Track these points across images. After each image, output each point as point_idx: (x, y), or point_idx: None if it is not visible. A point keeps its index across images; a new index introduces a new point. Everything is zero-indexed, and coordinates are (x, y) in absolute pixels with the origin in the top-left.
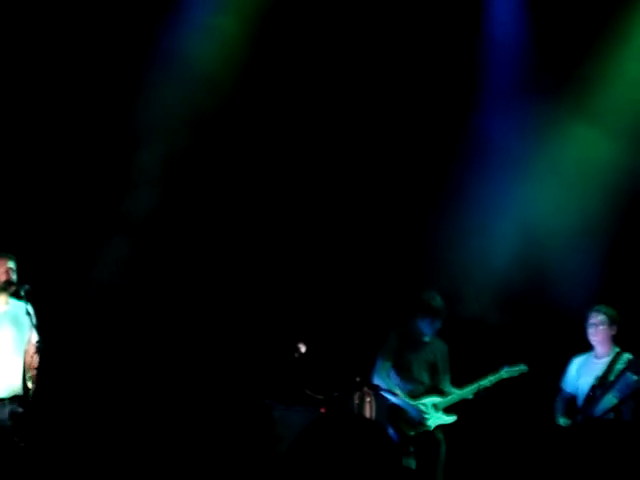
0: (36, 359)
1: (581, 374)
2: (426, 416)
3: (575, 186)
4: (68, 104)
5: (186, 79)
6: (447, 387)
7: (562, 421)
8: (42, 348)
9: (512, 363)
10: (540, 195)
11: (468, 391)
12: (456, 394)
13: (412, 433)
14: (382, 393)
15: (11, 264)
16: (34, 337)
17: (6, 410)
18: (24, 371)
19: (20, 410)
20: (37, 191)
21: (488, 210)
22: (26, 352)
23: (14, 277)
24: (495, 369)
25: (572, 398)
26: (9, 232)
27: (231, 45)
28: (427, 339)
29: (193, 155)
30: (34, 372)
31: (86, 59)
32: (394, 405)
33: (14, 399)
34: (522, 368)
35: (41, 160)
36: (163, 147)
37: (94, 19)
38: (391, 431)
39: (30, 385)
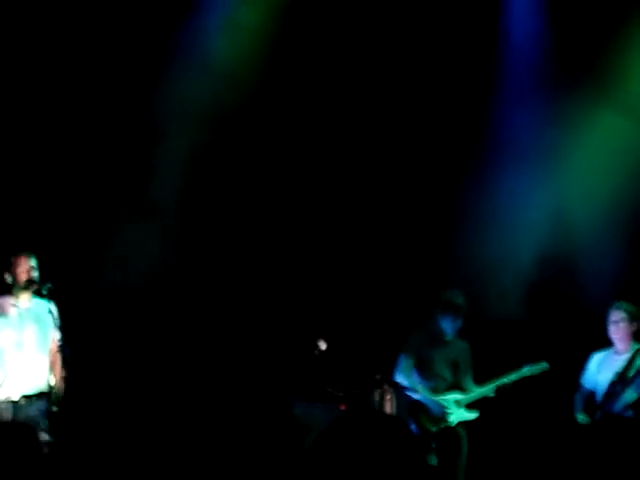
0: (59, 357)
1: (601, 370)
2: (448, 412)
3: (603, 174)
4: (92, 98)
5: (208, 74)
6: (469, 384)
7: (581, 417)
8: (64, 346)
9: (534, 360)
10: (569, 185)
11: (490, 388)
12: (478, 391)
13: (434, 429)
14: (404, 390)
15: (32, 262)
16: (57, 335)
17: (33, 407)
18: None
19: (51, 408)
20: (58, 185)
21: (515, 203)
22: (50, 350)
23: (36, 275)
24: (517, 366)
25: (591, 394)
26: (26, 226)
27: (253, 39)
28: (449, 338)
29: (214, 150)
30: (59, 370)
31: (112, 52)
32: (416, 401)
33: (41, 396)
34: (544, 366)
35: (64, 154)
36: (185, 141)
37: (120, 13)
38: (413, 427)
39: (53, 383)
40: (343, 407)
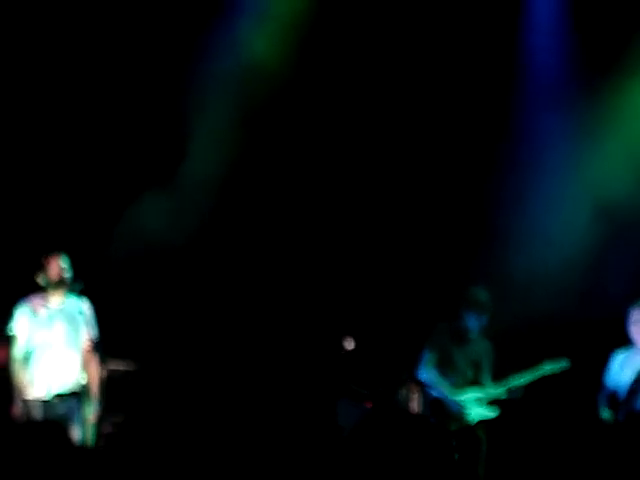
0: (91, 357)
1: (623, 368)
2: (468, 410)
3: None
4: (126, 86)
5: (239, 67)
6: (489, 383)
7: (606, 415)
8: (99, 346)
9: (554, 358)
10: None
11: (510, 387)
12: (498, 389)
13: (454, 427)
14: (426, 387)
15: (64, 262)
16: (89, 334)
17: (64, 406)
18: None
19: (83, 407)
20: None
21: (546, 203)
22: (82, 350)
23: (67, 275)
24: (538, 364)
25: (614, 392)
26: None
27: (285, 33)
28: (473, 336)
29: (244, 135)
30: (95, 370)
31: (147, 43)
32: (437, 399)
33: (72, 395)
34: (563, 364)
35: (93, 127)
36: (218, 117)
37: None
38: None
39: (85, 382)
40: (369, 405)
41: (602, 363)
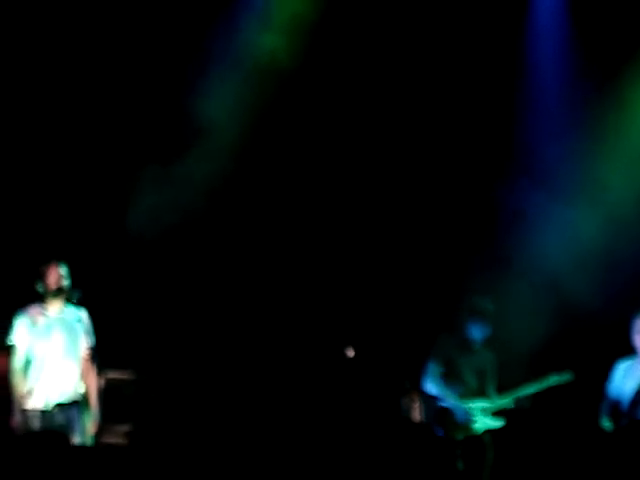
0: (89, 366)
1: (626, 378)
2: (473, 419)
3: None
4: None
5: (246, 66)
6: (493, 393)
7: (607, 425)
8: (95, 355)
9: (559, 370)
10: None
11: (515, 397)
12: (504, 400)
13: (460, 437)
14: (431, 397)
15: (62, 270)
16: (87, 343)
17: (63, 416)
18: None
19: (82, 416)
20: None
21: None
22: (81, 359)
23: (65, 284)
24: (542, 376)
25: (617, 402)
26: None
27: (292, 32)
28: (477, 346)
29: (252, 143)
30: (93, 379)
31: (154, 41)
32: (442, 408)
33: (71, 405)
34: (568, 377)
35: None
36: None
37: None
38: (440, 434)
39: (83, 391)
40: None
41: (604, 373)
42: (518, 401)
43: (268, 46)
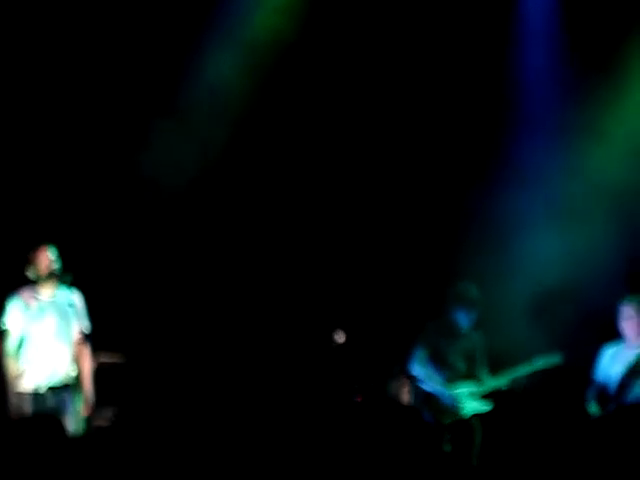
0: (83, 349)
1: (613, 363)
2: (461, 404)
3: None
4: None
5: (241, 43)
6: (483, 376)
7: (594, 409)
8: (89, 337)
9: (547, 353)
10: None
11: (503, 380)
12: (492, 383)
13: (448, 421)
14: (418, 381)
15: (52, 254)
16: (80, 327)
17: (55, 399)
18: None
19: (74, 399)
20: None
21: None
22: (74, 342)
23: (56, 267)
24: (530, 359)
25: (604, 387)
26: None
27: (286, 11)
28: (464, 331)
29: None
30: (87, 362)
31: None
32: (430, 393)
33: (63, 388)
34: (556, 360)
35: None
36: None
37: None
38: (427, 418)
39: (76, 374)
40: (359, 399)
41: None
42: (513, 382)
43: (268, 24)
